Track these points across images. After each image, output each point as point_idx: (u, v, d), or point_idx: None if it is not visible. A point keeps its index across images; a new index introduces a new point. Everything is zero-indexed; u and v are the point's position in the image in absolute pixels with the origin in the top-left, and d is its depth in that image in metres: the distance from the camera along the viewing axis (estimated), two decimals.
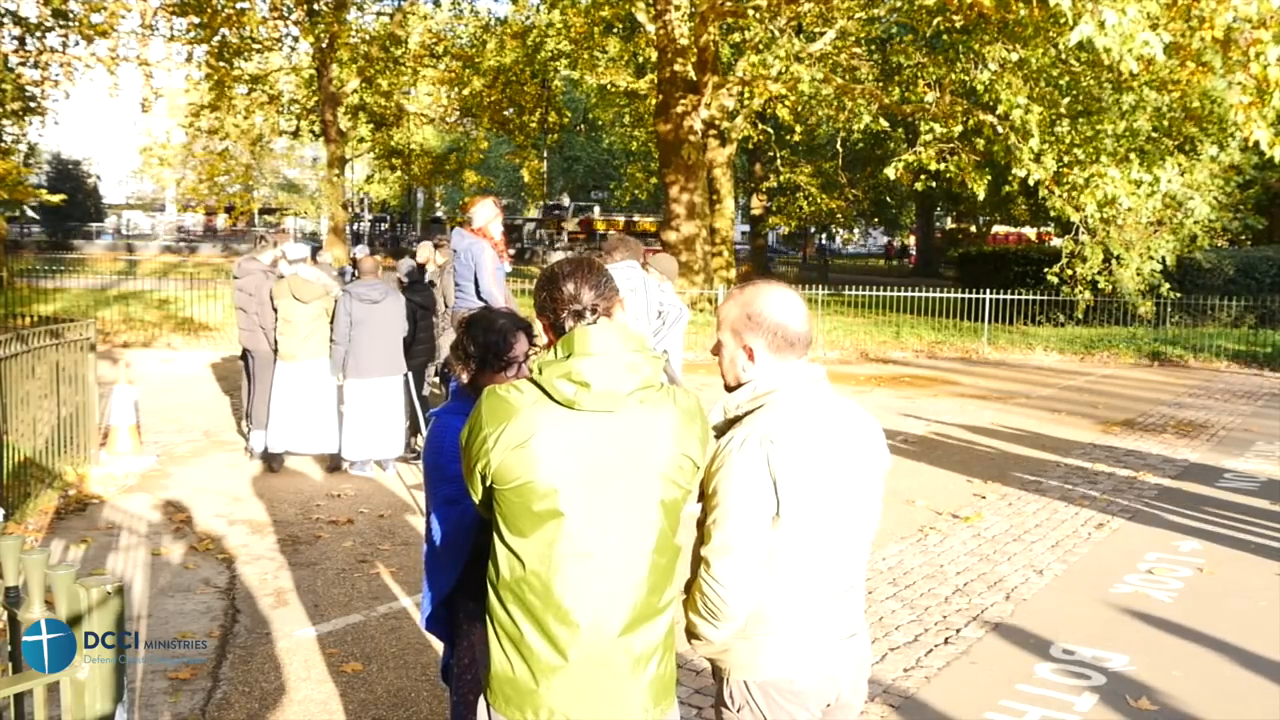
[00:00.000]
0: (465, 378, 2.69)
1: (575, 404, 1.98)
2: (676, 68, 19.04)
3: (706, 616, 2.14)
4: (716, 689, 2.32)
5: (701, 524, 2.22)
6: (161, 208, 64.12)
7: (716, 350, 2.29)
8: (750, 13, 18.40)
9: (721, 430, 2.22)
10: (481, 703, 2.13)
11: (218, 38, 21.65)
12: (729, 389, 2.27)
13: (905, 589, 5.40)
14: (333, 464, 7.81)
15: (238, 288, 8.10)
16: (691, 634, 2.25)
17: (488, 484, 2.03)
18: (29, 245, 40.06)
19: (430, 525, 2.68)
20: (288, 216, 50.88)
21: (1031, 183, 15.92)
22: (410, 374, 8.08)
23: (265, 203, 43.94)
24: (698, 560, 2.18)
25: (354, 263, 9.64)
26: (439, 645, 4.47)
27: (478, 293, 6.44)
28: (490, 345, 2.64)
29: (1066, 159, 15.60)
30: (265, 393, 7.82)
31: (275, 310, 7.61)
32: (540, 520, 1.99)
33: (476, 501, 2.11)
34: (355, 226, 52.62)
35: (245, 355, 8.27)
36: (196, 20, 21.19)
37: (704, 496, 2.19)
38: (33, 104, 22.41)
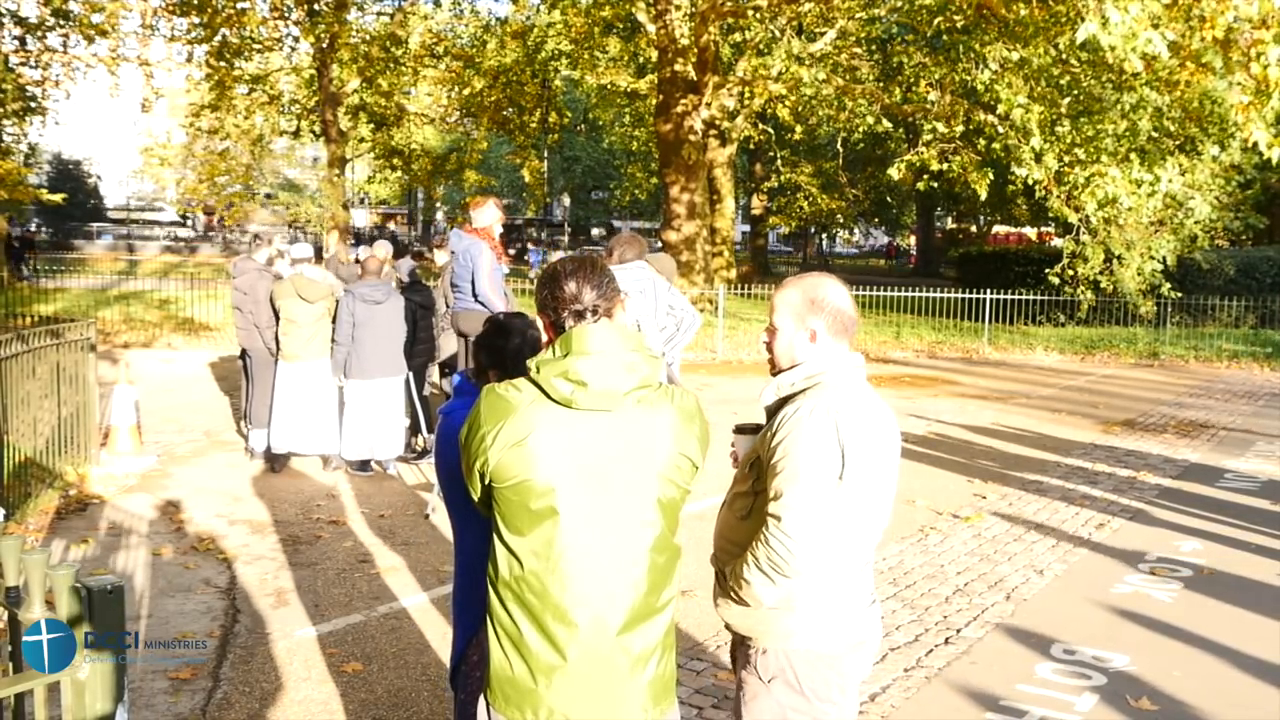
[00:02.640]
0: (495, 378, 2.64)
1: (572, 403, 1.99)
2: (677, 68, 19.04)
3: (769, 571, 2.21)
4: (741, 662, 2.38)
5: (740, 495, 2.37)
6: (161, 208, 64.18)
7: (770, 334, 2.42)
8: (750, 13, 18.40)
9: (774, 409, 2.35)
10: (481, 702, 2.13)
11: (218, 38, 21.65)
12: (777, 372, 2.41)
13: (906, 589, 5.40)
14: (333, 464, 7.81)
15: (234, 287, 8.11)
16: (737, 598, 2.31)
17: (486, 482, 2.03)
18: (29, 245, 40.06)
19: (459, 531, 2.63)
20: (287, 220, 50.83)
21: (1031, 182, 15.92)
22: (411, 374, 8.08)
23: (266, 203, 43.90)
24: (748, 529, 2.30)
25: (358, 262, 9.58)
26: (442, 648, 4.48)
27: (474, 294, 6.41)
28: (531, 341, 2.61)
29: (1067, 159, 15.60)
30: (264, 392, 7.82)
31: (275, 310, 7.61)
32: (538, 519, 1.99)
33: (475, 500, 2.11)
34: (355, 227, 52.52)
35: (243, 355, 8.27)
36: (197, 20, 21.20)
37: (762, 464, 2.29)
38: (33, 104, 22.42)
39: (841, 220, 37.83)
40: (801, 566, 2.19)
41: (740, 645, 2.40)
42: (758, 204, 37.08)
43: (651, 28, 20.26)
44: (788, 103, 20.26)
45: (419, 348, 8.23)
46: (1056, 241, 25.42)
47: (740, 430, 2.49)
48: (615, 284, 2.16)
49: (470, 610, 2.56)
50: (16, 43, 21.40)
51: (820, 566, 2.22)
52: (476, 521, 2.40)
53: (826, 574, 2.25)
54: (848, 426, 2.21)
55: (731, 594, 2.34)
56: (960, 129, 17.12)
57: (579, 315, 2.09)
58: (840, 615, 2.30)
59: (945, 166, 17.48)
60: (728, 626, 2.43)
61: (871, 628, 2.39)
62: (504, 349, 2.64)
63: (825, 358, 2.35)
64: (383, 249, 8.85)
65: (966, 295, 18.48)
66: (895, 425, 2.41)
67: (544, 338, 2.63)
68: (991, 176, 17.15)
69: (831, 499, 2.19)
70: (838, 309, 2.36)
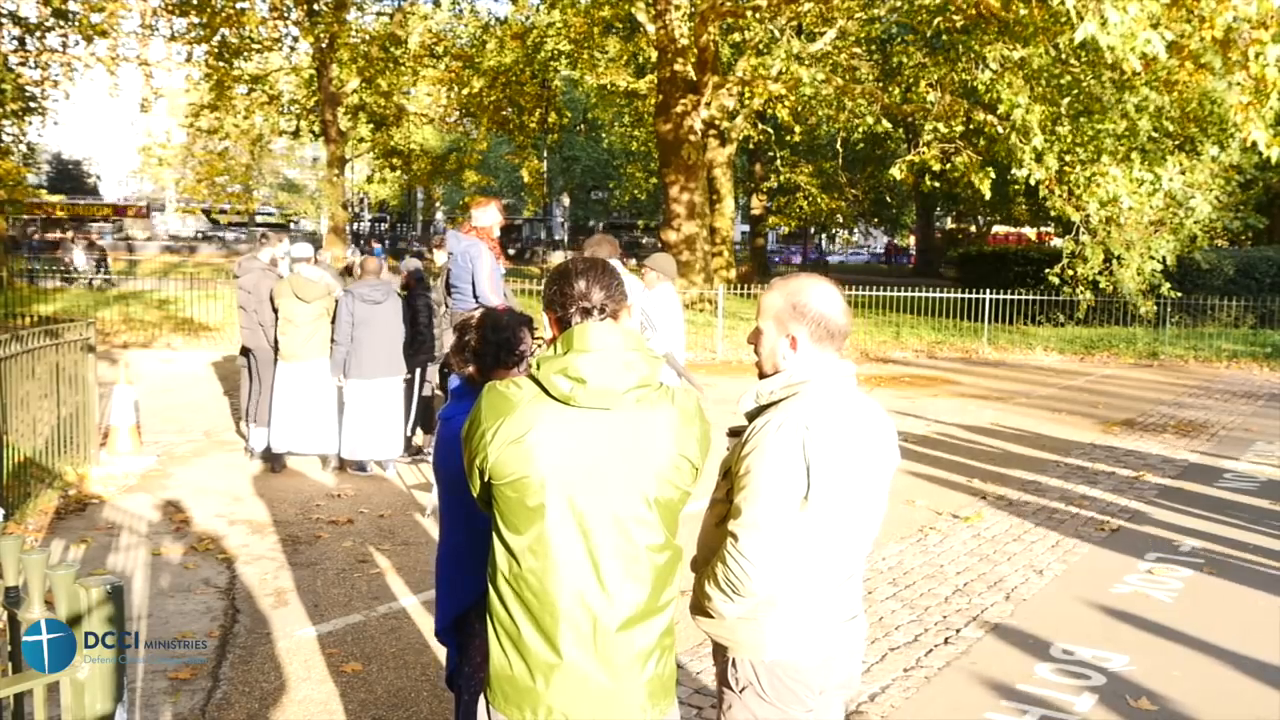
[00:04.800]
0: (475, 374, 2.73)
1: (571, 400, 1.98)
2: (676, 68, 19.04)
3: (726, 590, 2.17)
4: (719, 669, 2.36)
5: (717, 502, 2.29)
6: (161, 208, 64.17)
7: (755, 338, 2.34)
8: (750, 13, 18.41)
9: (753, 415, 2.27)
10: (481, 701, 2.13)
11: (218, 38, 21.67)
12: (764, 377, 2.33)
13: (905, 589, 5.40)
14: (333, 464, 7.80)
15: (238, 286, 8.11)
16: (702, 610, 2.28)
17: (485, 479, 2.03)
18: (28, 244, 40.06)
19: (449, 530, 2.71)
20: (290, 217, 50.83)
21: (1032, 182, 15.93)
22: (419, 371, 8.08)
23: (265, 203, 43.94)
24: (722, 536, 2.23)
25: (348, 269, 9.54)
26: (441, 648, 4.47)
27: (474, 294, 6.39)
28: (502, 342, 2.70)
29: (1068, 158, 15.60)
30: (266, 391, 7.82)
31: (275, 309, 7.61)
32: (535, 516, 1.99)
33: (475, 497, 2.12)
34: (355, 226, 52.57)
35: (247, 354, 8.27)
36: (196, 20, 21.21)
37: (732, 475, 2.23)
38: (33, 104, 22.40)
39: (841, 220, 37.80)
40: (758, 588, 2.13)
41: (718, 652, 2.37)
42: (757, 204, 37.06)
43: (651, 28, 20.26)
44: (787, 103, 20.24)
45: (427, 345, 8.21)
46: (1056, 241, 25.42)
47: (734, 434, 2.42)
48: (624, 288, 2.17)
49: (452, 596, 2.67)
50: (16, 43, 21.39)
51: (784, 585, 2.16)
52: (467, 523, 2.45)
53: (792, 591, 2.19)
54: (816, 444, 2.12)
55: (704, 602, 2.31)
56: (960, 129, 17.11)
57: (586, 313, 2.09)
58: (808, 630, 2.23)
59: (947, 166, 17.48)
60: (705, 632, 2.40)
61: (847, 643, 2.31)
62: (470, 344, 2.75)
63: (806, 366, 2.24)
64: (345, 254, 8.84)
65: (966, 295, 18.47)
66: (886, 437, 2.31)
67: (522, 330, 2.73)
68: (993, 176, 17.15)
69: (794, 520, 2.12)
70: (821, 316, 2.24)
